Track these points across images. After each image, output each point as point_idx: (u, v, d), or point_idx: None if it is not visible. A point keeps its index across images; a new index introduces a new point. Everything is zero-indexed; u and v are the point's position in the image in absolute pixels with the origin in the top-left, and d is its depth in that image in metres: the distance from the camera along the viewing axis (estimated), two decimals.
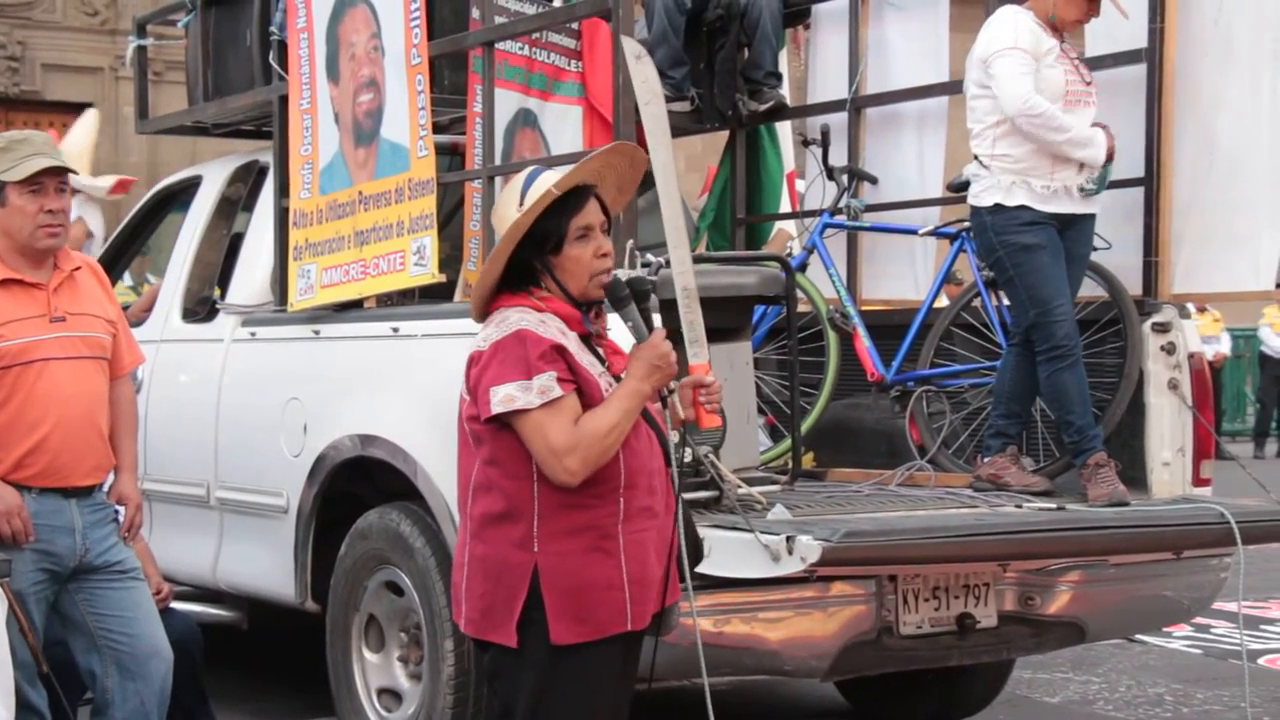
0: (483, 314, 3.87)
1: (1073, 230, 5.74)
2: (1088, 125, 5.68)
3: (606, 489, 3.77)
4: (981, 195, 5.75)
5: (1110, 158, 5.69)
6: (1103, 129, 5.70)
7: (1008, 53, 5.64)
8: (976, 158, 5.79)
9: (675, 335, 4.61)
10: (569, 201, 3.81)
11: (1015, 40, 5.64)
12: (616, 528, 3.78)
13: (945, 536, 4.89)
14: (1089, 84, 5.76)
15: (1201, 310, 16.92)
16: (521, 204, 3.80)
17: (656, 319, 3.87)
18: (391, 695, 5.70)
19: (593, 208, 3.85)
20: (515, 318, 3.75)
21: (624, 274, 3.93)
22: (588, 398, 3.75)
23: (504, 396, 3.67)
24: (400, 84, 5.88)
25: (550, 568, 3.73)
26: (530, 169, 3.93)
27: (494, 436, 3.75)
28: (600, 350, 3.90)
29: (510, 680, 3.82)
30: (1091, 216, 5.81)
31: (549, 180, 3.84)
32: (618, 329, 3.94)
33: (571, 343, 3.79)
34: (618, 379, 3.81)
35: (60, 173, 4.89)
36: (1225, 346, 19.88)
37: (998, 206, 5.69)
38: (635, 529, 3.80)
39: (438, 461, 5.30)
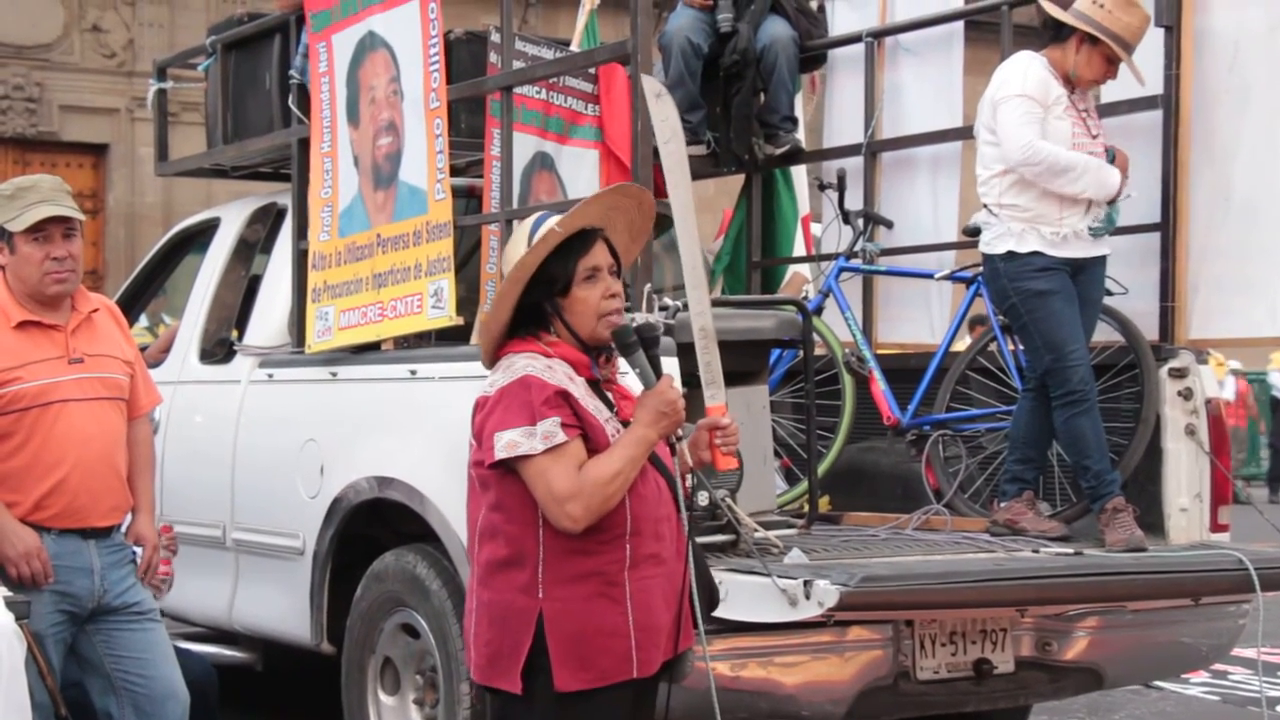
0: (492, 359, 3.88)
1: (1085, 274, 5.74)
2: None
3: (611, 535, 3.76)
4: (993, 243, 5.76)
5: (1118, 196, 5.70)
6: (1118, 155, 5.73)
7: (1014, 99, 5.65)
8: (985, 205, 5.80)
9: (691, 380, 4.65)
10: (575, 243, 3.82)
11: (1023, 87, 5.65)
12: (622, 574, 3.77)
13: (962, 582, 4.87)
14: (1095, 136, 5.76)
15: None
16: (529, 247, 3.82)
17: (671, 365, 3.86)
18: None
19: (600, 249, 3.86)
20: (522, 363, 3.76)
21: (638, 317, 3.94)
22: (593, 443, 3.74)
23: (508, 442, 3.68)
24: (419, 127, 5.91)
25: (555, 614, 3.73)
26: (539, 214, 3.95)
27: (499, 482, 3.76)
28: (609, 395, 3.90)
29: None
30: (1103, 259, 5.81)
31: (555, 222, 3.85)
32: (631, 375, 3.94)
33: (579, 388, 3.79)
34: (625, 424, 3.81)
35: (66, 219, 4.90)
36: (1229, 393, 19.85)
37: (1010, 254, 5.69)
38: (641, 575, 3.79)
39: (454, 504, 5.28)
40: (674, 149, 4.70)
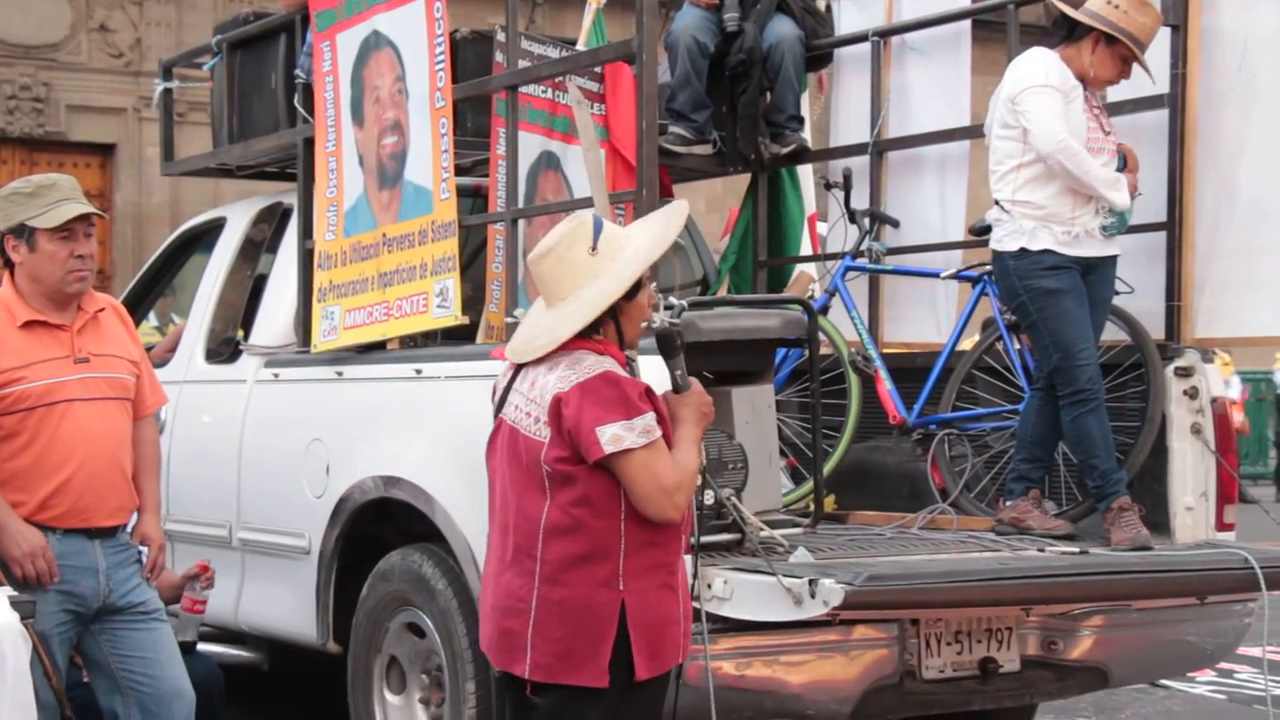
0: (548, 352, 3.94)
1: (1095, 274, 5.74)
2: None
3: (677, 528, 3.93)
4: (1005, 240, 5.75)
5: (1131, 193, 5.70)
6: (1128, 154, 5.72)
7: (1039, 90, 5.63)
8: (997, 202, 5.79)
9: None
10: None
11: (1046, 78, 5.64)
12: (677, 565, 3.95)
13: (968, 580, 4.86)
14: (1108, 134, 5.76)
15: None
16: (595, 249, 3.91)
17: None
18: None
19: None
20: (592, 360, 3.87)
21: (657, 320, 4.07)
22: (666, 439, 3.89)
23: (612, 436, 3.77)
24: (424, 127, 5.91)
25: (635, 605, 3.85)
26: (591, 216, 4.04)
27: (589, 476, 3.83)
28: None
29: None
30: (1113, 258, 5.80)
31: (621, 227, 4.05)
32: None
33: None
34: None
35: (89, 218, 4.91)
36: (1235, 391, 19.73)
37: (1022, 251, 5.68)
38: (682, 566, 3.98)
39: (460, 503, 5.31)
40: (593, 158, 4.78)
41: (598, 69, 6.29)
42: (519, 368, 4.04)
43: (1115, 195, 5.63)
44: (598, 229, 3.95)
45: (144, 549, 5.02)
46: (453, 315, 5.78)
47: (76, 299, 4.94)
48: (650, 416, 3.81)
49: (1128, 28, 5.61)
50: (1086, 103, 5.72)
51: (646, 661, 3.85)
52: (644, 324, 4.04)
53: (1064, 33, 5.76)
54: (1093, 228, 5.68)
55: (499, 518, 4.04)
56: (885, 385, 6.42)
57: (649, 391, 3.88)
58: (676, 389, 4.01)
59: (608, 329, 3.96)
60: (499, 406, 4.06)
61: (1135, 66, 5.71)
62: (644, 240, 4.00)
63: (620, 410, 3.78)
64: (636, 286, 3.96)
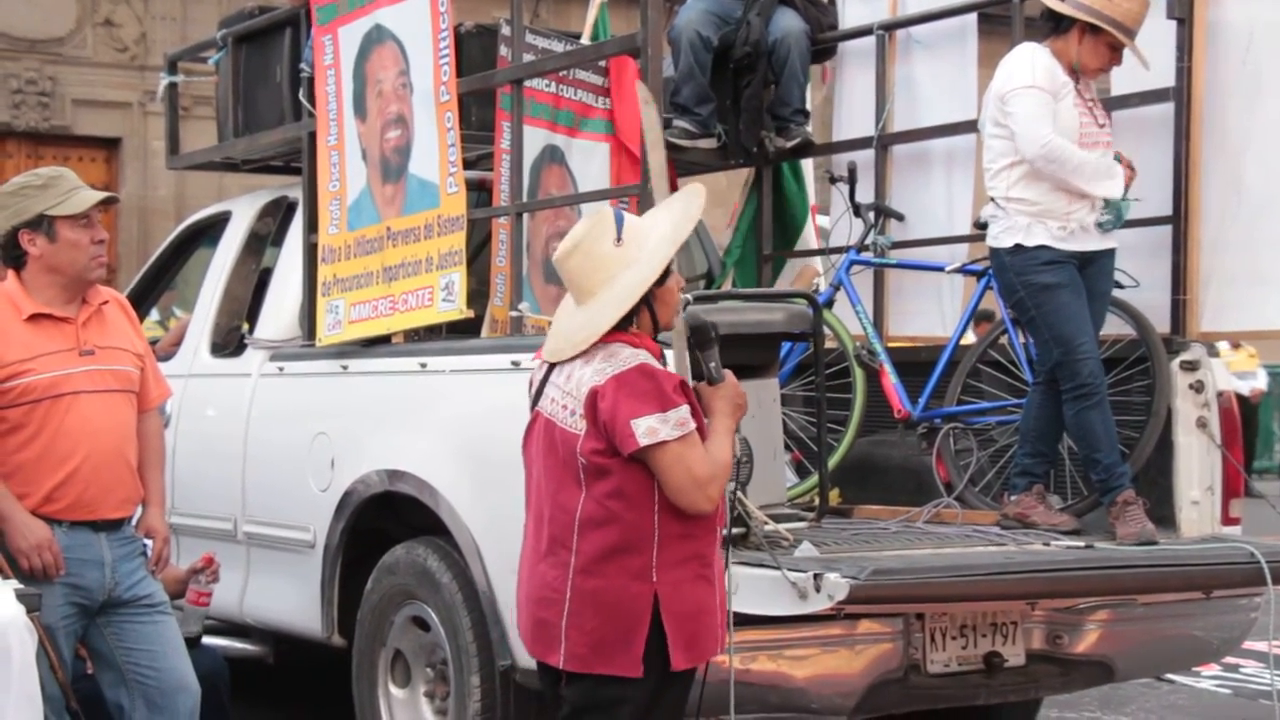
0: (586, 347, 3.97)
1: (1093, 267, 5.72)
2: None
3: (712, 520, 3.97)
4: (1000, 236, 5.74)
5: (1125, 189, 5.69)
6: (1122, 164, 5.71)
7: (1026, 91, 5.63)
8: (993, 199, 5.79)
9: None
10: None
11: (1033, 79, 5.63)
12: (713, 556, 3.98)
13: (973, 575, 4.87)
14: (1103, 126, 5.74)
15: (1237, 346, 16.66)
16: (620, 239, 3.93)
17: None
18: None
19: None
20: (628, 353, 3.90)
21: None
22: (699, 431, 3.92)
23: (647, 429, 3.81)
24: (429, 121, 5.91)
25: (669, 596, 3.88)
26: (611, 209, 4.08)
27: (623, 469, 3.86)
28: None
29: (607, 711, 3.92)
30: (1111, 252, 5.79)
31: (638, 217, 4.08)
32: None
33: None
34: None
35: (100, 204, 4.91)
36: (1262, 382, 19.52)
37: (1017, 247, 5.67)
38: (719, 557, 4.02)
39: (465, 497, 5.32)
40: (656, 156, 4.79)
41: (602, 63, 6.29)
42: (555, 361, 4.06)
43: (1105, 187, 5.61)
44: (619, 220, 3.99)
45: (149, 542, 5.03)
46: (458, 309, 5.78)
47: (93, 286, 4.95)
48: (684, 409, 3.84)
49: (1113, 15, 5.60)
50: (1079, 96, 5.70)
51: (684, 652, 3.90)
52: (676, 307, 4.07)
53: (1051, 25, 5.75)
54: (1088, 223, 5.67)
55: (534, 509, 4.07)
56: (890, 379, 6.42)
57: (683, 384, 3.91)
58: (710, 381, 4.05)
59: (641, 318, 3.99)
60: (535, 399, 4.09)
61: (1128, 53, 5.69)
62: (667, 224, 4.03)
63: (655, 403, 3.81)
64: (666, 271, 4.00)
